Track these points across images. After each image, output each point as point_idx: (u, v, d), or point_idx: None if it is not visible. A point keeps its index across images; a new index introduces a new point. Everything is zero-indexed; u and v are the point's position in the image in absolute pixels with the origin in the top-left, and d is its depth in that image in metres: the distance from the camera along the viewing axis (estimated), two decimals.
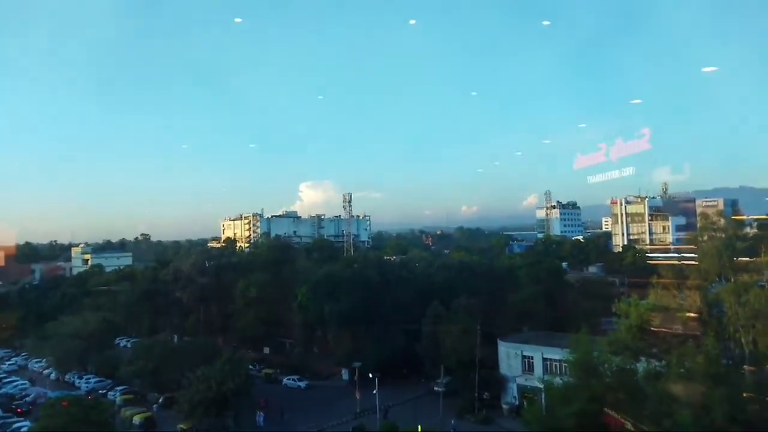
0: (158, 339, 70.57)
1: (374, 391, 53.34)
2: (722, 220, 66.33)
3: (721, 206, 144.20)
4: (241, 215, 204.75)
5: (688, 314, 46.26)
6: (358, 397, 56.20)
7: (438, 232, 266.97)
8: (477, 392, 54.20)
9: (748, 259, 55.22)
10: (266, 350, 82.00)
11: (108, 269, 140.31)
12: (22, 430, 51.96)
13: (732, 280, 49.26)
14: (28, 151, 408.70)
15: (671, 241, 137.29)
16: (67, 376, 74.81)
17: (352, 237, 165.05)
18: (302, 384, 68.57)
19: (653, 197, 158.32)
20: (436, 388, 57.50)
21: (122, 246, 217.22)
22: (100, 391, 65.63)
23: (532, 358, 54.67)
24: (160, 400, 60.34)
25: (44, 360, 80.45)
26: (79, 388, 69.05)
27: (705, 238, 58.93)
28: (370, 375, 56.08)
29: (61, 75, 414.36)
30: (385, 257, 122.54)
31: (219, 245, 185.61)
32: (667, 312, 46.24)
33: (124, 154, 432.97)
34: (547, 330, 60.47)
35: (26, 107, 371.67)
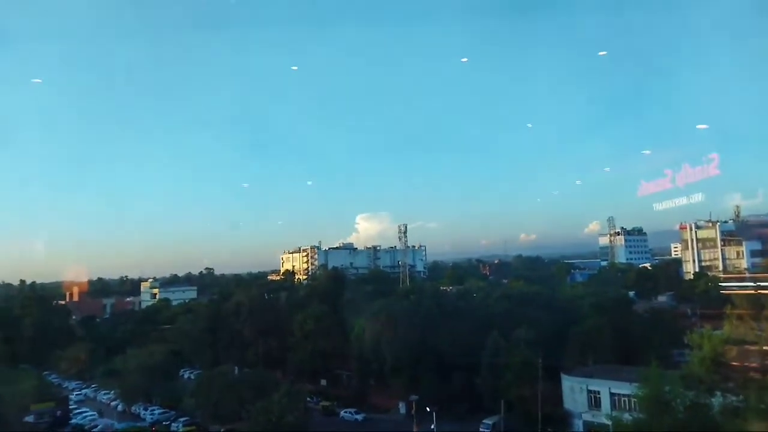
0: (220, 371, 71.82)
1: (432, 426, 52.19)
2: None
3: None
4: (299, 248, 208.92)
5: (766, 346, 43.05)
6: (415, 431, 55.11)
7: (495, 261, 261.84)
8: (540, 429, 52.03)
9: None
10: (323, 382, 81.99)
11: (174, 303, 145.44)
12: None
13: None
14: (101, 190, 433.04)
15: (746, 267, 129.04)
16: (133, 408, 76.89)
17: (407, 267, 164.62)
18: (359, 417, 67.95)
19: (725, 221, 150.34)
20: (482, 430, 55.78)
21: (188, 280, 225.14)
22: (164, 423, 67.11)
23: (599, 393, 52.23)
24: None
25: (112, 392, 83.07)
26: (144, 419, 71.00)
27: None
28: (428, 409, 54.98)
29: (128, 112, 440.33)
30: (442, 287, 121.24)
31: (278, 278, 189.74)
32: (743, 344, 43.20)
33: (190, 192, 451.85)
34: (614, 363, 57.67)
35: (94, 141, 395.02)
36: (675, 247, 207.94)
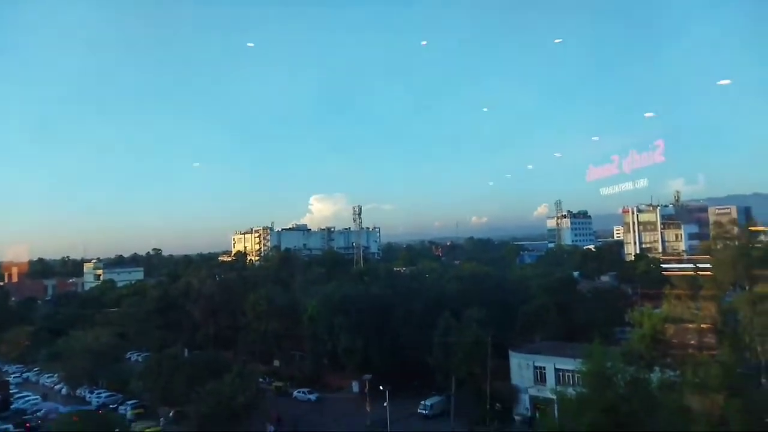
0: (168, 353, 70.44)
1: (385, 404, 52.89)
2: (736, 228, 65.36)
3: (734, 214, 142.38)
4: (251, 229, 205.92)
5: (702, 324, 45.54)
6: (368, 410, 55.76)
7: (448, 243, 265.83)
8: (489, 404, 53.60)
9: (763, 268, 54.27)
10: (276, 363, 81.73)
11: (120, 284, 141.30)
12: None
13: (747, 289, 48.44)
14: (41, 168, 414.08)
15: (684, 249, 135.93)
16: (78, 391, 74.99)
17: (362, 249, 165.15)
18: (312, 397, 68.19)
19: (665, 206, 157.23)
20: (420, 410, 57.22)
21: (134, 261, 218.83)
22: (111, 406, 65.58)
23: (545, 369, 54.02)
24: (171, 415, 60.08)
25: (56, 375, 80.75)
26: (90, 402, 69.06)
27: (719, 246, 58.07)
28: (381, 387, 55.68)
29: (75, 88, 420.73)
30: (395, 269, 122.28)
31: (229, 259, 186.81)
32: (681, 322, 45.55)
33: (136, 170, 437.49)
34: (559, 340, 59.76)
35: (39, 122, 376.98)
36: (617, 230, 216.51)
